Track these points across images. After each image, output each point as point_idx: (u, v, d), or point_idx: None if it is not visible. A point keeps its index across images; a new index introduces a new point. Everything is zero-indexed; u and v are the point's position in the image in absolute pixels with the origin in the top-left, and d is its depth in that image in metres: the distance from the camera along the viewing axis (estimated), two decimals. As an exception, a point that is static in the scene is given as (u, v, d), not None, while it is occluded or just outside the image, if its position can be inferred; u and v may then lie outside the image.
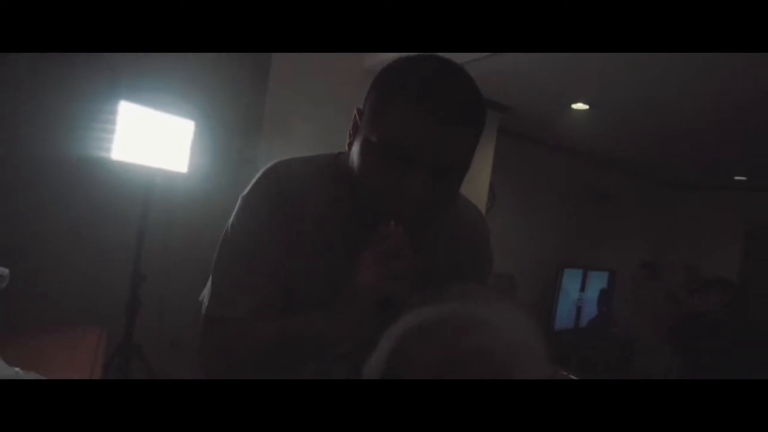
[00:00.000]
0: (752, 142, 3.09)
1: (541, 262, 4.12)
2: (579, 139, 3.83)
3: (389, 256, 0.58)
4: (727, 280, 2.86)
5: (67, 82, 2.09)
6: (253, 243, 0.67)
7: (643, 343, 4.29)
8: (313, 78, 2.43)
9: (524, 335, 0.51)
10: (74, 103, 2.09)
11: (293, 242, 0.68)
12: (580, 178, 4.47)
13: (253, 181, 0.71)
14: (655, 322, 4.43)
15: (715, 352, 2.45)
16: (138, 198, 2.03)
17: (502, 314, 0.52)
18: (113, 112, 1.86)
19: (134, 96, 1.91)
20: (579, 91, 2.66)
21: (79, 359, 1.21)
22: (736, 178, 4.39)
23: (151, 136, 1.95)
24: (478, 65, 2.16)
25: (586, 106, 2.83)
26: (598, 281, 4.50)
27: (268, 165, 0.71)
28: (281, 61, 2.38)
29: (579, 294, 4.34)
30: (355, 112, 0.66)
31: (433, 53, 0.63)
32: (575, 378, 2.25)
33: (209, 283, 0.70)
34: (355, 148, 0.64)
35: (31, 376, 0.86)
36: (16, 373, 0.85)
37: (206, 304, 0.68)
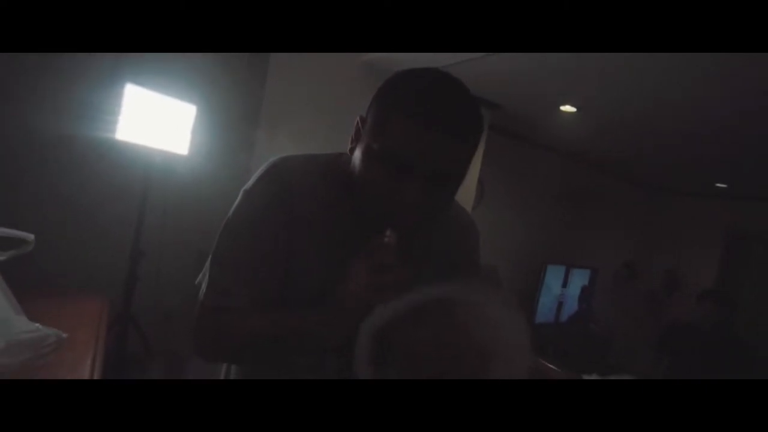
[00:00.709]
0: (734, 149, 3.16)
1: (525, 257, 4.23)
2: (567, 140, 3.92)
3: (377, 270, 0.61)
4: (725, 293, 2.88)
5: (76, 64, 2.17)
6: (252, 236, 0.69)
7: (620, 339, 4.43)
8: (311, 64, 2.50)
9: (511, 319, 0.55)
10: (82, 85, 2.17)
11: (292, 238, 0.70)
12: (568, 178, 4.58)
13: (256, 175, 0.72)
14: (633, 321, 4.59)
15: (699, 362, 2.50)
16: (141, 177, 2.12)
17: (489, 296, 0.56)
18: (120, 95, 1.94)
19: (139, 79, 1.98)
20: (567, 94, 2.77)
21: (85, 324, 1.31)
22: (718, 185, 4.45)
23: (154, 119, 2.03)
24: (470, 65, 2.27)
25: (573, 109, 2.94)
26: (580, 278, 4.62)
27: (271, 160, 0.73)
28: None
29: (561, 290, 4.46)
30: (358, 119, 0.68)
31: (436, 68, 0.66)
32: (555, 368, 2.38)
33: (206, 270, 0.71)
34: (357, 154, 0.67)
35: (51, 331, 0.96)
36: (37, 328, 0.95)
37: (204, 291, 0.70)
